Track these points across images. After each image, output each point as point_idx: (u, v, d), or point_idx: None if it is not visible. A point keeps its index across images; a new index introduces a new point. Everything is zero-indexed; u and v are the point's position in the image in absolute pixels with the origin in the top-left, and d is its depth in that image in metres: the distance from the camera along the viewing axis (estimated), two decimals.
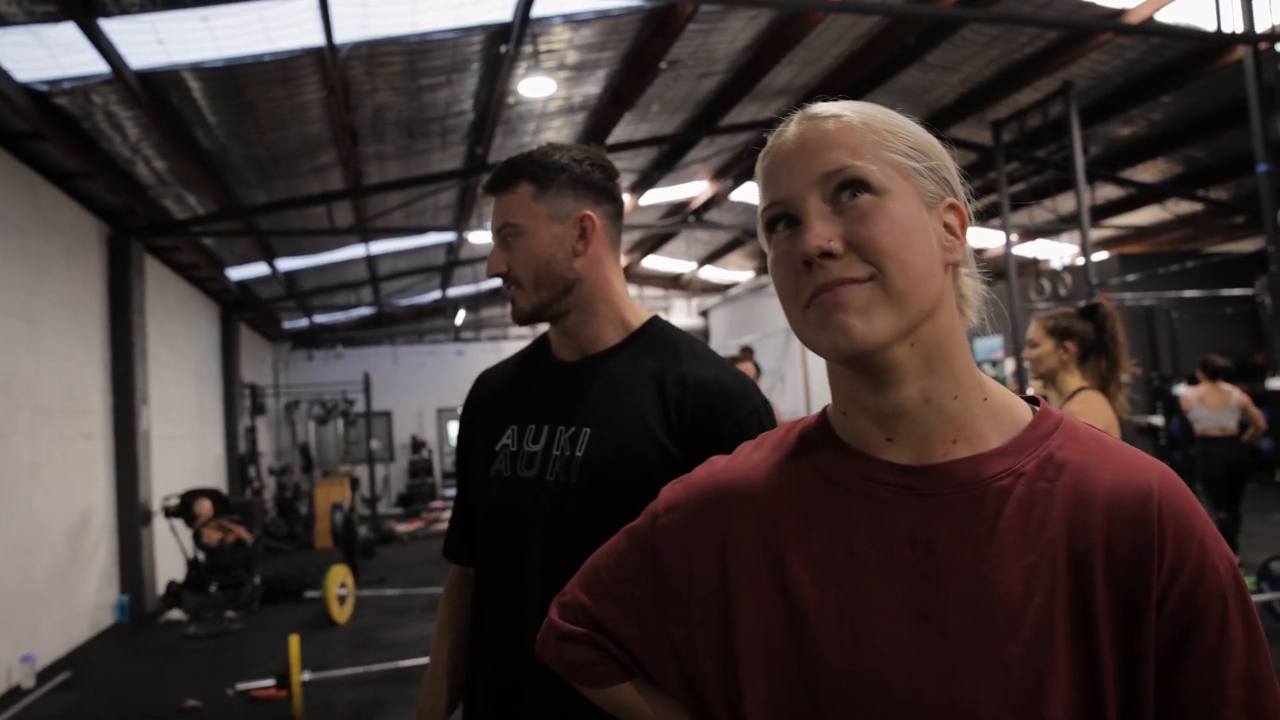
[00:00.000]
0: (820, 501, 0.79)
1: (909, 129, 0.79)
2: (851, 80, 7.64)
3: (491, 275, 1.39)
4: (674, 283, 18.63)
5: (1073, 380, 2.84)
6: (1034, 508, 0.72)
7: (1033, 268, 10.23)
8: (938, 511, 0.74)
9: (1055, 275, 9.49)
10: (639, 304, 1.44)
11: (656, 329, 1.41)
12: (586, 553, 1.19)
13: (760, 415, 1.31)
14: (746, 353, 6.15)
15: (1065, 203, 9.36)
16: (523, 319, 1.40)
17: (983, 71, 7.91)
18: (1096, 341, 2.84)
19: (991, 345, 11.80)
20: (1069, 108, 7.90)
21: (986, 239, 13.00)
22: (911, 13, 5.51)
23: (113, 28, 5.01)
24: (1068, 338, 2.85)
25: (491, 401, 1.48)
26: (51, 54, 5.19)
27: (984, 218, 11.89)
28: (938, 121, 8.65)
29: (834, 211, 0.74)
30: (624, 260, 17.02)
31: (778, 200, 0.77)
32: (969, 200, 0.82)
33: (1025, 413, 0.79)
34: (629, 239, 15.04)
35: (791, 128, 0.79)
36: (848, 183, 0.74)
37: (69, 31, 4.88)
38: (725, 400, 1.29)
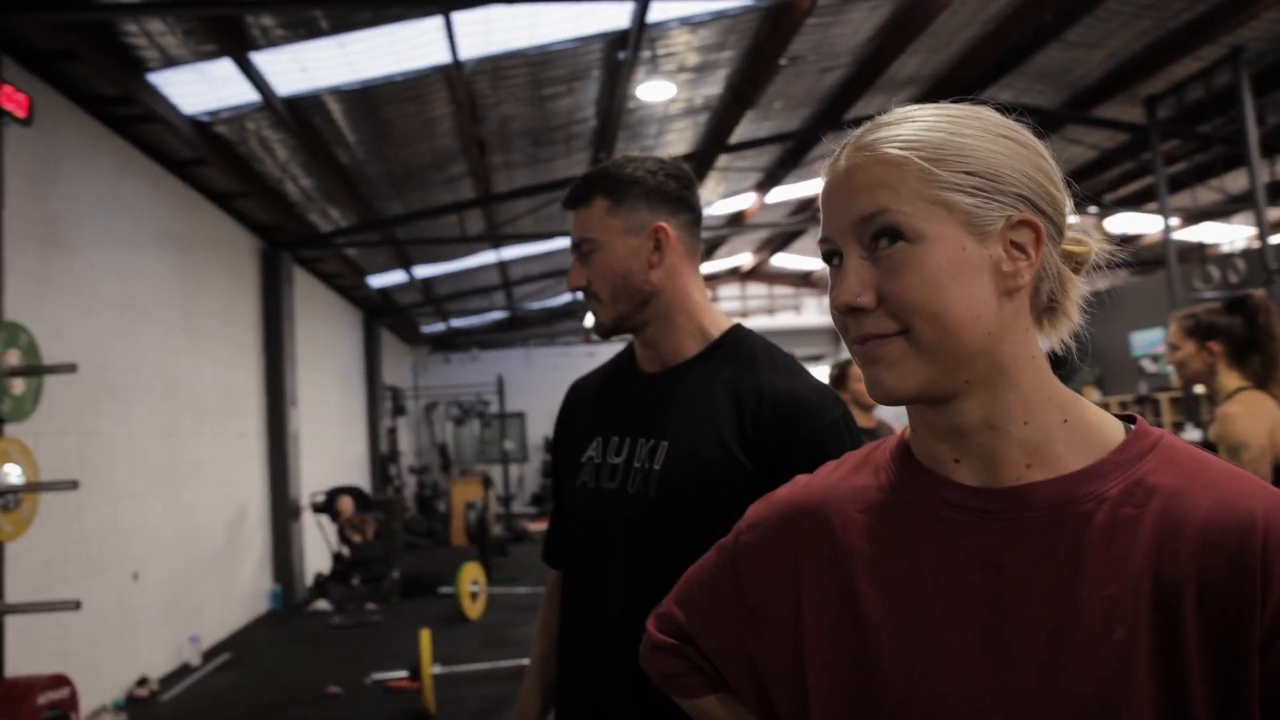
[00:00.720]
0: (892, 521, 0.78)
1: (971, 148, 0.73)
2: (984, 65, 7.28)
3: (572, 289, 1.40)
4: (804, 280, 18.33)
5: (1229, 380, 2.58)
6: (1117, 535, 0.68)
7: (1198, 254, 9.49)
8: (1012, 536, 0.71)
9: (1226, 260, 8.68)
10: (719, 313, 1.43)
11: (736, 338, 1.39)
12: (662, 566, 1.19)
13: (839, 428, 1.27)
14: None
15: (1235, 181, 8.60)
16: (603, 332, 1.41)
17: (1132, 45, 7.36)
18: (1248, 337, 2.58)
19: (1151, 340, 10.99)
20: (1238, 76, 7.23)
21: (1143, 224, 12.14)
22: None
23: (262, 60, 5.37)
24: (1211, 337, 2.60)
25: (581, 411, 1.50)
26: (211, 87, 5.62)
27: (1139, 201, 11.07)
28: (1082, 102, 8.25)
29: (871, 259, 0.73)
30: (752, 259, 16.98)
31: (825, 237, 0.77)
32: (1071, 197, 0.79)
33: (1117, 433, 0.74)
34: (755, 238, 14.92)
35: (842, 158, 0.77)
36: (880, 227, 0.72)
37: (226, 66, 5.28)
38: (800, 412, 1.27)
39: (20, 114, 3.96)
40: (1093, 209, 10.30)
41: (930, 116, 0.75)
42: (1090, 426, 0.74)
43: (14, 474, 3.71)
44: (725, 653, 0.89)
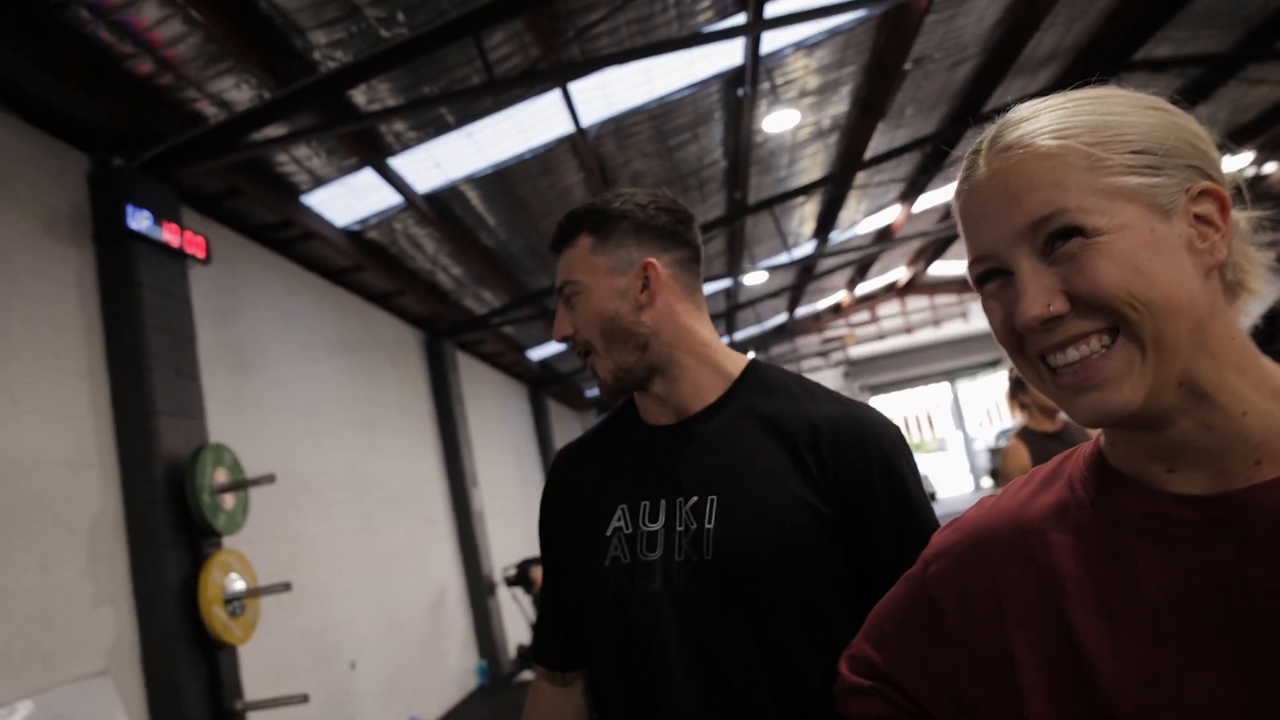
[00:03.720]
0: (1100, 542, 0.70)
1: (1128, 125, 0.66)
2: (1133, 24, 6.70)
3: (559, 339, 1.27)
4: (967, 286, 17.44)
5: None
6: None
7: None
8: (1250, 548, 0.61)
9: None
10: (732, 350, 1.29)
11: (760, 372, 1.26)
12: (734, 634, 1.10)
13: (905, 442, 1.18)
14: None
15: None
16: (608, 390, 1.25)
17: None
18: None
19: None
20: None
21: None
22: None
23: (399, 163, 5.68)
24: None
25: (585, 482, 1.31)
26: (358, 197, 6.00)
27: None
28: (1261, 38, 7.38)
29: (1048, 261, 0.65)
30: (907, 272, 16.38)
31: (982, 256, 0.69)
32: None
33: None
34: (908, 250, 14.40)
35: (982, 165, 0.69)
36: (1057, 228, 0.64)
37: (368, 176, 5.62)
38: (864, 434, 1.15)
39: (201, 255, 4.32)
40: None
41: (1070, 102, 0.68)
42: None
43: (237, 582, 3.98)
44: (927, 689, 0.82)
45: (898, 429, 1.19)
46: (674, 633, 1.14)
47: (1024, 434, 3.21)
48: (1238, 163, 9.92)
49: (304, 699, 4.02)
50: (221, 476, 4.05)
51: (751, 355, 1.30)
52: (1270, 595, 0.60)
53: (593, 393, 17.20)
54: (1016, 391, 3.42)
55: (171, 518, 3.76)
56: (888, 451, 1.15)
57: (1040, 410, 3.79)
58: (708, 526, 1.14)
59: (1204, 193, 0.66)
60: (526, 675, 8.21)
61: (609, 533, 1.21)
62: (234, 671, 3.98)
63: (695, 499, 1.16)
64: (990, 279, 0.70)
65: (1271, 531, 0.61)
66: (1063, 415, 4.04)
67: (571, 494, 1.32)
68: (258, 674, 4.59)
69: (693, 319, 1.26)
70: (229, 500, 4.10)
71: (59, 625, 3.33)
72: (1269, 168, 10.58)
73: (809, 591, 1.11)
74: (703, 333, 1.26)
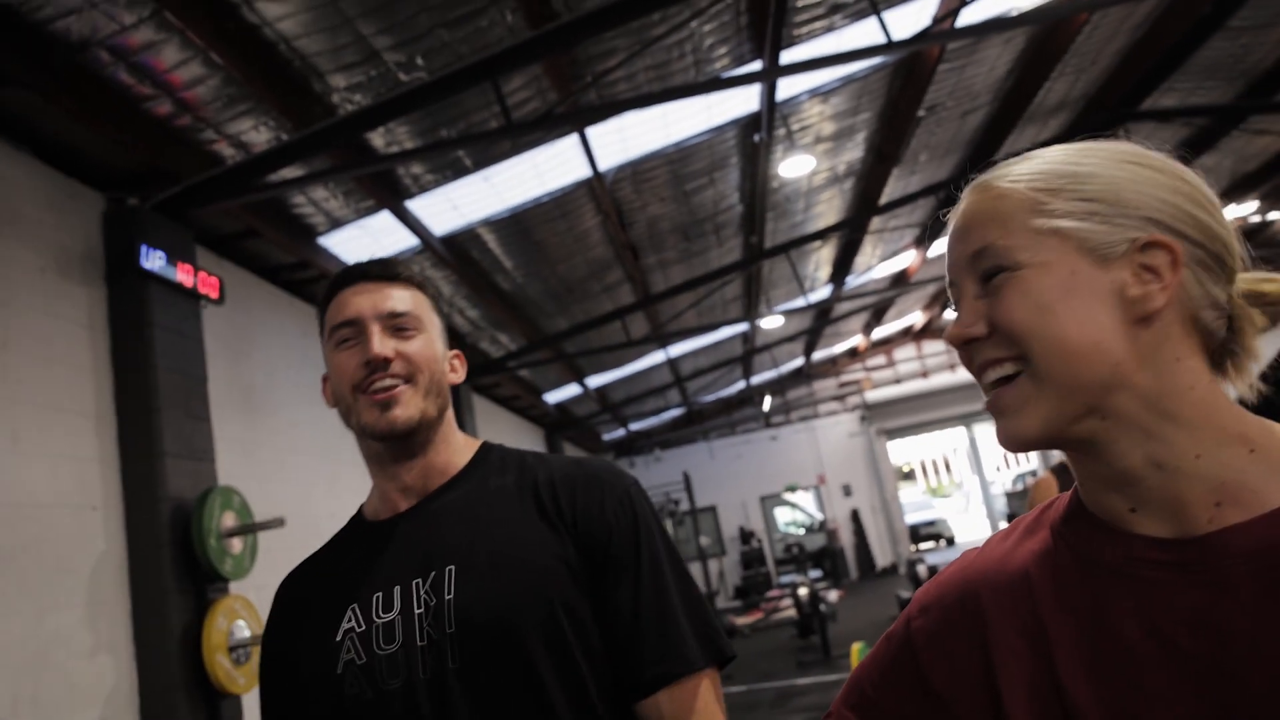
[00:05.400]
0: (1080, 587, 0.71)
1: (1093, 176, 0.70)
2: (1139, 73, 6.76)
3: (374, 357, 1.14)
4: None
5: None
6: None
7: None
8: (1219, 592, 0.63)
9: None
10: (468, 435, 1.31)
11: (496, 450, 1.27)
12: (495, 707, 1.03)
13: (639, 489, 1.20)
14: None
15: None
16: (396, 427, 1.14)
17: None
18: None
19: None
20: None
21: None
22: None
23: (416, 206, 5.69)
24: None
25: (310, 597, 1.19)
26: (374, 239, 6.00)
27: None
28: (1261, 90, 7.43)
29: (984, 291, 0.72)
30: (923, 317, 16.31)
31: (950, 281, 0.77)
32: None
33: None
34: (923, 294, 14.34)
35: (961, 199, 0.77)
36: (989, 265, 0.71)
37: (385, 218, 5.63)
38: (600, 478, 1.17)
39: (214, 295, 4.31)
40: None
41: (1060, 152, 0.74)
42: None
43: (243, 629, 3.89)
44: None
45: (634, 479, 1.21)
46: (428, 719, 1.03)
47: (1058, 469, 3.15)
48: (1241, 210, 9.94)
49: None
50: (229, 520, 3.98)
51: (484, 440, 1.31)
52: (1245, 640, 0.61)
53: (612, 435, 17.10)
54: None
55: (176, 562, 3.68)
56: (625, 492, 1.16)
57: None
58: (447, 598, 1.07)
59: (1152, 244, 0.67)
60: None
61: (339, 637, 1.10)
62: None
63: (434, 574, 1.09)
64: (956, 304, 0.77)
65: (1245, 576, 0.62)
66: None
67: (296, 617, 1.18)
68: None
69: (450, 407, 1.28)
70: (236, 544, 4.03)
71: (53, 673, 3.23)
72: (1272, 215, 10.63)
73: (563, 646, 1.06)
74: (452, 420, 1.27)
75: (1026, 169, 0.73)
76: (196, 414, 4.04)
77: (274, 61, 3.88)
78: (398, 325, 1.19)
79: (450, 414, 1.24)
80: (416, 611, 1.08)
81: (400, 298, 1.20)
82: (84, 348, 3.68)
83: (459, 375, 1.28)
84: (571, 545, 1.11)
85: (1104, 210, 0.69)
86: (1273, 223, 11.20)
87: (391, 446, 1.18)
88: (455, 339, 7.67)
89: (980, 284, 0.72)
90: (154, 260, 3.83)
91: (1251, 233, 11.84)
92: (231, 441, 4.74)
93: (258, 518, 4.28)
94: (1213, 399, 0.68)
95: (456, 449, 1.24)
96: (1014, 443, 0.70)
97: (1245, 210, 10.02)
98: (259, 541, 4.27)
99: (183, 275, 4.02)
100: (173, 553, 3.67)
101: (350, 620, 1.11)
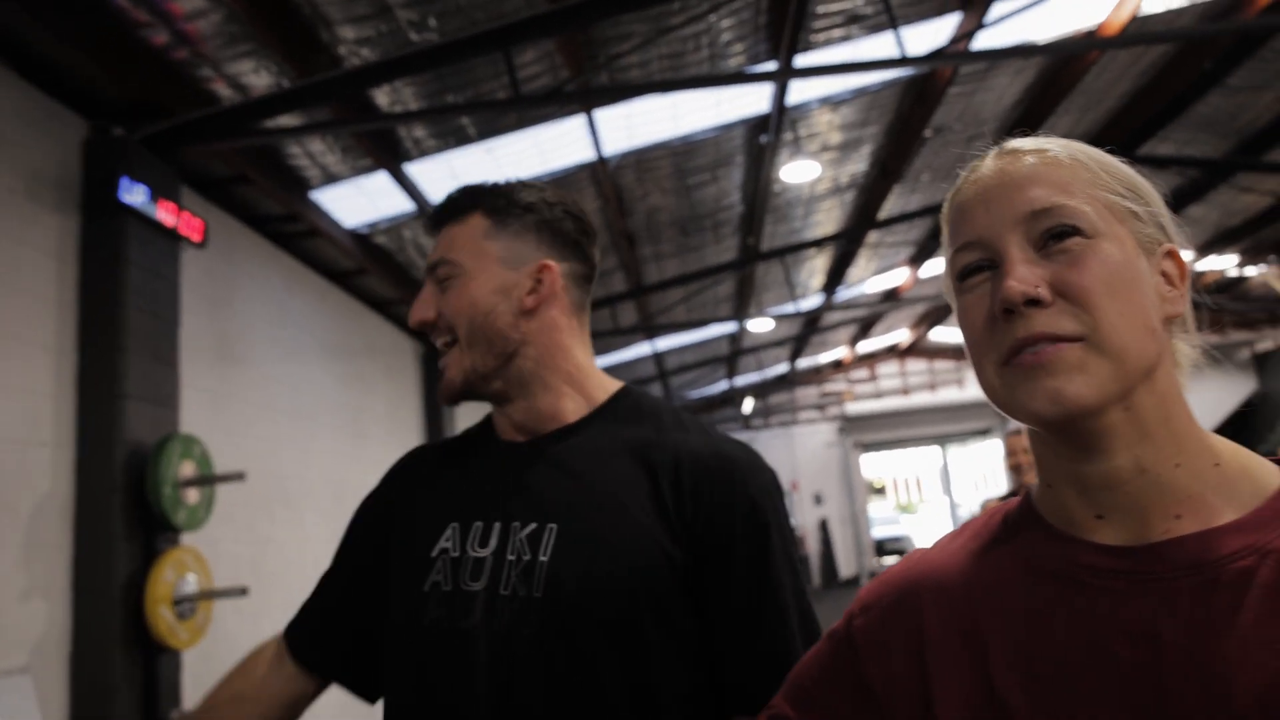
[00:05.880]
0: (1023, 592, 0.70)
1: (1121, 167, 0.72)
2: (1141, 119, 6.85)
3: (415, 322, 1.12)
4: (965, 354, 17.48)
5: None
6: None
7: None
8: (1161, 600, 0.63)
9: None
10: (607, 378, 1.16)
11: (630, 398, 1.14)
12: (549, 697, 0.96)
13: (777, 488, 1.06)
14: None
15: None
16: (451, 392, 1.11)
17: None
18: None
19: None
20: None
21: None
22: (1205, 33, 4.73)
23: (415, 170, 5.58)
24: None
25: (425, 489, 1.16)
26: (370, 200, 5.89)
27: None
28: (1252, 148, 7.51)
29: (1041, 254, 0.67)
30: (910, 335, 16.31)
31: (972, 241, 0.70)
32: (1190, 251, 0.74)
33: (1273, 478, 0.66)
34: (912, 313, 14.36)
35: (989, 162, 0.72)
36: (1056, 225, 0.66)
37: (381, 179, 5.52)
38: (734, 475, 1.02)
39: (196, 239, 4.18)
40: (1272, 258, 9.47)
41: (1067, 141, 0.73)
42: (1244, 470, 0.66)
43: (191, 582, 3.78)
44: None
45: (773, 475, 1.07)
46: (482, 673, 0.98)
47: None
48: (1221, 263, 10.19)
49: None
50: (188, 469, 3.87)
51: (627, 384, 1.17)
52: (1178, 650, 0.61)
53: None
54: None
55: (126, 508, 3.55)
56: (755, 496, 1.02)
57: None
58: (541, 559, 1.00)
59: (1171, 254, 0.70)
60: None
61: (434, 554, 1.07)
62: (174, 678, 3.74)
63: (533, 526, 1.02)
64: (975, 273, 0.70)
65: (1185, 586, 0.62)
66: None
67: (406, 501, 1.16)
68: (201, 683, 4.37)
69: (573, 338, 1.14)
70: (193, 495, 3.92)
71: None
72: (1250, 271, 10.91)
73: (642, 651, 0.97)
74: (579, 355, 1.14)
75: (1067, 146, 0.71)
76: (165, 358, 3.93)
77: (283, 4, 3.77)
78: (439, 277, 1.12)
79: (552, 359, 1.11)
80: (509, 558, 1.02)
81: (446, 240, 1.13)
82: (49, 278, 3.55)
83: (539, 298, 1.10)
84: (684, 540, 1.01)
85: (1142, 205, 0.70)
86: (1249, 278, 11.57)
87: (481, 399, 1.14)
88: None
89: (1035, 247, 0.67)
90: (135, 195, 3.70)
91: (1228, 285, 11.98)
92: (200, 390, 4.63)
93: (219, 470, 4.17)
94: (1189, 411, 0.69)
95: (566, 396, 1.12)
96: (1064, 402, 0.64)
97: (1225, 263, 10.23)
98: (217, 494, 4.16)
99: (164, 214, 3.90)
100: (124, 498, 3.55)
101: (448, 539, 1.07)
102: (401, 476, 1.21)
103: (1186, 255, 0.72)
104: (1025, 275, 0.65)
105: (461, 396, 1.11)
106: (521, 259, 1.11)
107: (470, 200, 1.14)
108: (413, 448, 1.25)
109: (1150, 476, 0.66)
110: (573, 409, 1.12)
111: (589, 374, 1.15)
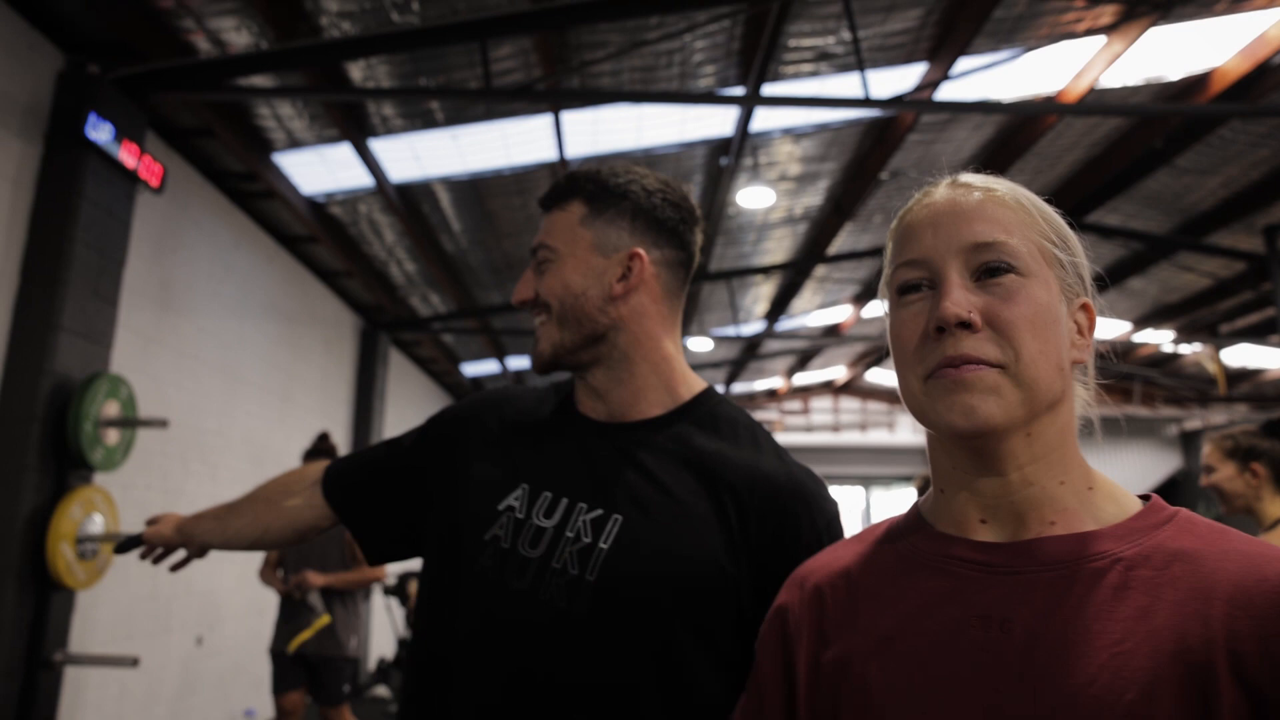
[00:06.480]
0: (895, 581, 0.77)
1: (1055, 217, 0.78)
2: (1090, 187, 7.15)
3: (516, 301, 1.18)
4: (898, 398, 17.88)
5: (1273, 508, 2.41)
6: (1130, 594, 0.66)
7: None
8: (1017, 590, 0.70)
9: None
10: (692, 373, 1.19)
11: (712, 404, 1.15)
12: (575, 675, 0.98)
13: (840, 518, 1.08)
14: None
15: None
16: (541, 362, 1.15)
17: (1249, 174, 7.08)
18: None
19: None
20: None
21: (1263, 358, 11.53)
22: (1159, 111, 5.05)
23: (379, 146, 5.63)
24: (1253, 459, 2.43)
25: (504, 434, 1.18)
26: (330, 170, 5.92)
27: (1261, 334, 10.45)
28: (1195, 229, 7.93)
29: (976, 284, 0.73)
30: (846, 373, 16.68)
31: (917, 259, 0.76)
32: (1099, 305, 0.81)
33: (1135, 506, 0.75)
34: (851, 351, 14.68)
35: (942, 190, 0.79)
36: (995, 260, 0.73)
37: (345, 151, 5.56)
38: (801, 505, 1.04)
39: (154, 184, 4.20)
40: (1206, 339, 9.87)
41: (1012, 183, 0.79)
42: (1112, 497, 0.75)
43: (96, 523, 3.77)
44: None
45: (837, 505, 1.08)
46: (516, 643, 1.01)
47: None
48: (1157, 338, 10.53)
49: (133, 663, 3.70)
50: (112, 409, 3.87)
51: (710, 386, 1.20)
52: (1026, 635, 0.67)
53: None
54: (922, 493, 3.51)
55: (43, 440, 3.54)
56: (821, 529, 1.03)
57: None
58: (602, 545, 1.02)
59: (1084, 306, 0.78)
60: (381, 690, 7.93)
61: (501, 508, 1.09)
62: (64, 618, 3.68)
63: (599, 512, 1.04)
64: (914, 290, 0.76)
65: (1042, 579, 0.69)
66: None
67: (488, 435, 1.19)
68: (93, 627, 4.34)
69: (662, 326, 1.16)
70: (113, 435, 3.92)
71: None
72: (1183, 349, 11.23)
73: (680, 658, 0.99)
74: (668, 345, 1.16)
75: (1013, 189, 0.77)
76: (105, 296, 3.93)
77: None
78: (538, 260, 1.17)
79: (641, 347, 1.14)
80: (568, 534, 1.04)
81: (547, 226, 1.18)
82: (3, 203, 3.55)
83: (628, 285, 1.13)
84: (743, 560, 1.02)
85: (1069, 258, 0.77)
86: (1183, 355, 11.85)
87: (569, 370, 1.18)
88: (385, 288, 7.51)
89: (972, 276, 0.74)
90: (100, 132, 3.72)
91: (1162, 361, 12.49)
92: (134, 333, 4.62)
93: (143, 414, 4.17)
94: (1076, 443, 0.77)
95: (651, 387, 1.14)
96: (976, 419, 0.70)
97: (1161, 338, 10.57)
98: (137, 438, 4.16)
99: (126, 155, 3.91)
100: (42, 429, 3.54)
101: (516, 498, 1.09)
102: (490, 412, 1.22)
103: (1098, 310, 0.79)
104: (961, 300, 0.71)
105: (551, 367, 1.15)
106: (614, 245, 1.14)
107: (571, 187, 1.17)
108: (501, 386, 1.31)
109: (1036, 489, 0.73)
110: (655, 402, 1.14)
111: (675, 366, 1.16)
